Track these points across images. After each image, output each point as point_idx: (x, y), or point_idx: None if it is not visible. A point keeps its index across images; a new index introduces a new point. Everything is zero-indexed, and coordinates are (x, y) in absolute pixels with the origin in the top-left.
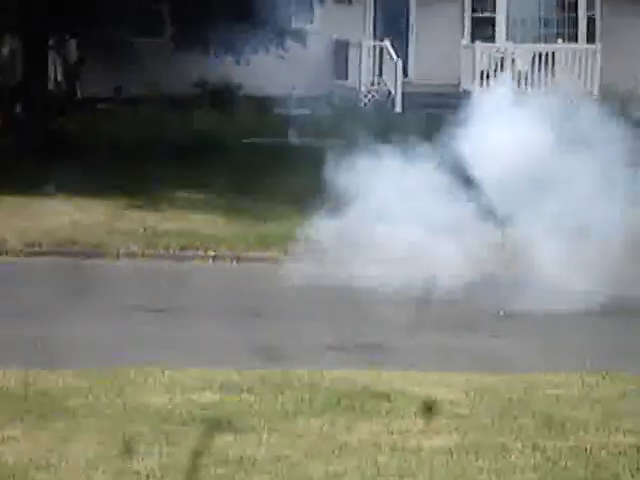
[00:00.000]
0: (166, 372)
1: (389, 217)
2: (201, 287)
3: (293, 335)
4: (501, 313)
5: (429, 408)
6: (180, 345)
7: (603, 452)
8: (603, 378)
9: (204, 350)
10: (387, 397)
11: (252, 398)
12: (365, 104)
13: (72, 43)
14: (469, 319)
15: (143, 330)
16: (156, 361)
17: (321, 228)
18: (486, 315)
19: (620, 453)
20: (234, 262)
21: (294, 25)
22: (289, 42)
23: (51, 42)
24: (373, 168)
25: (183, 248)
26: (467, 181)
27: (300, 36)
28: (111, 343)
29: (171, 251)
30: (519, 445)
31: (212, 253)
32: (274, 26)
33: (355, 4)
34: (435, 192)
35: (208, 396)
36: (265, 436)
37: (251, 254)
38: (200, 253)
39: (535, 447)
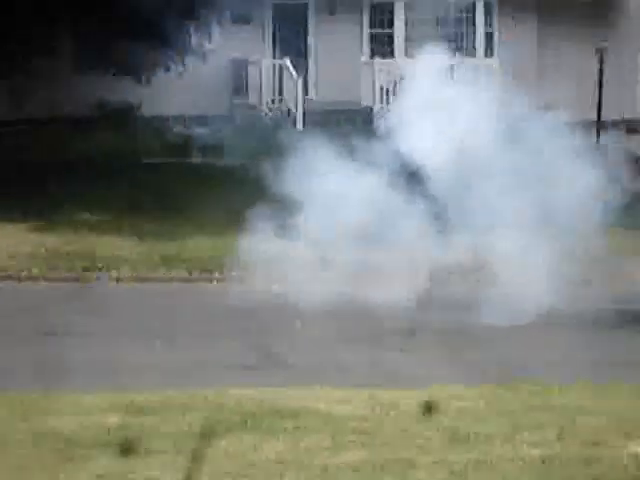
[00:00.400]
0: (71, 396)
1: (302, 231)
2: (104, 309)
3: (198, 355)
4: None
5: (429, 408)
6: (85, 368)
7: (509, 465)
8: (508, 390)
9: (110, 373)
10: (293, 415)
11: (158, 420)
12: (266, 123)
13: None
14: (381, 335)
15: (46, 354)
16: (60, 385)
17: (227, 246)
18: (399, 331)
19: (525, 465)
20: (137, 283)
21: (193, 44)
22: (189, 60)
23: None
24: (277, 184)
25: (86, 270)
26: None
27: (199, 55)
28: (14, 368)
29: (73, 273)
30: (425, 460)
31: (115, 274)
32: (174, 44)
33: (253, 24)
34: (338, 200)
35: (114, 419)
36: (171, 458)
37: (154, 274)
38: (103, 274)
39: (441, 462)
